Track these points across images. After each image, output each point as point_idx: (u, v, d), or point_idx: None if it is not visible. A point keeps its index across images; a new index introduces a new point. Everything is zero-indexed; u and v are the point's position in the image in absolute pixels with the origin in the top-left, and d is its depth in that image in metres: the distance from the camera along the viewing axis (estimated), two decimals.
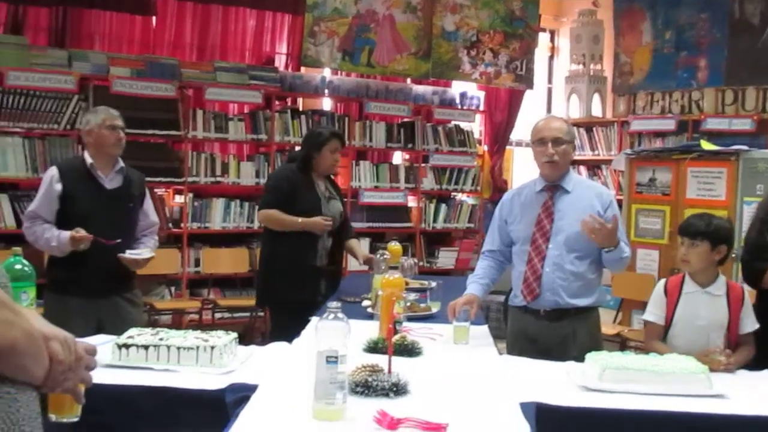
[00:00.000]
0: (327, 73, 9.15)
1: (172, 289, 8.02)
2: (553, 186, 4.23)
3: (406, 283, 5.55)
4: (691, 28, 9.69)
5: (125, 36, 8.30)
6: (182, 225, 7.94)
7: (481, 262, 4.45)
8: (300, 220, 5.38)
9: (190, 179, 7.94)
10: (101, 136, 4.77)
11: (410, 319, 4.41)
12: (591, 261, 4.15)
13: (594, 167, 10.33)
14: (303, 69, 8.94)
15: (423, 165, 9.39)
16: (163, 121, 7.80)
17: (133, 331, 3.43)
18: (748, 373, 3.66)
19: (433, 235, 9.61)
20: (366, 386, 2.91)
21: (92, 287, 4.67)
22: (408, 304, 4.77)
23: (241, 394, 2.91)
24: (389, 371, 3.00)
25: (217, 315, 7.99)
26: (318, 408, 2.64)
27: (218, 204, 8.17)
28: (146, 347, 3.28)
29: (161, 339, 3.31)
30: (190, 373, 3.19)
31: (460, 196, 9.81)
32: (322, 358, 2.64)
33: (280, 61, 9.10)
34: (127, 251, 4.73)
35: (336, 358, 2.63)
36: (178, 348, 3.27)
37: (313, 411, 2.64)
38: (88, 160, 4.78)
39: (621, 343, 6.74)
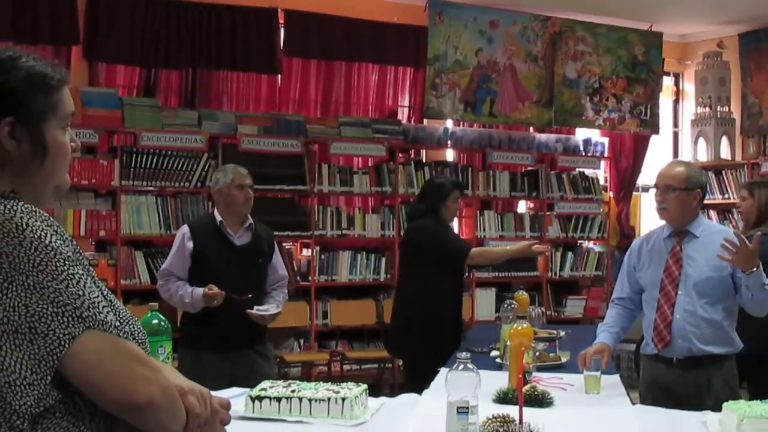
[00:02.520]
0: (449, 124, 9.21)
1: (301, 341, 8.12)
2: (681, 231, 4.15)
3: (534, 333, 5.54)
4: None
5: (252, 95, 8.52)
6: (310, 278, 8.05)
7: (610, 310, 4.39)
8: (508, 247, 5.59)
9: (317, 233, 8.07)
10: (231, 195, 4.92)
11: (540, 369, 4.36)
12: (723, 307, 4.05)
13: (724, 211, 10.08)
14: (426, 121, 9.02)
15: (548, 213, 9.33)
16: (290, 177, 7.95)
17: (265, 384, 3.48)
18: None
19: (560, 284, 9.51)
20: None
21: (225, 342, 4.79)
22: (537, 354, 4.74)
23: None
24: (521, 422, 2.97)
25: (346, 367, 8.05)
26: None
27: (345, 257, 8.26)
28: (279, 399, 3.32)
29: (293, 391, 3.36)
30: (322, 424, 3.22)
31: (586, 244, 9.70)
32: (453, 409, 2.64)
33: (403, 114, 9.19)
34: (255, 307, 4.83)
35: (467, 409, 2.64)
36: (310, 400, 3.30)
37: None
38: (218, 218, 4.92)
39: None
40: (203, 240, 4.90)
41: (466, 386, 2.64)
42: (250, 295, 4.82)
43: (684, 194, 4.12)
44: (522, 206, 9.67)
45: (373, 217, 8.42)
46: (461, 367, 2.67)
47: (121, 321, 1.73)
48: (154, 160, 7.42)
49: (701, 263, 4.05)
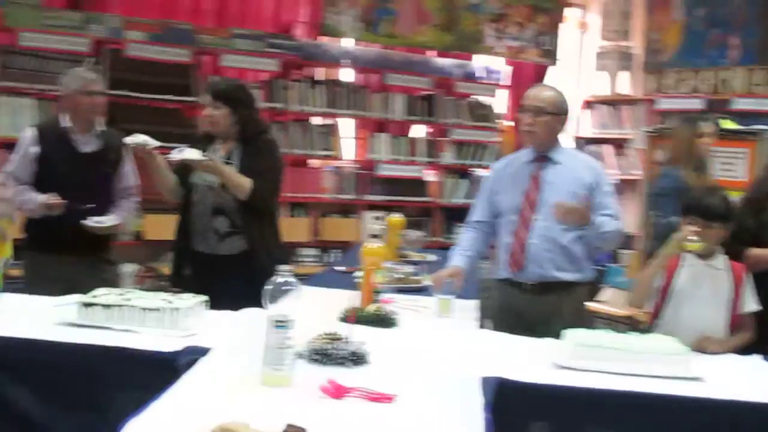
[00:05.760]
0: (348, 43, 9.02)
1: None
2: (542, 157, 4.11)
3: (407, 256, 5.49)
4: (723, 4, 9.43)
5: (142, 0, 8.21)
6: None
7: (465, 233, 4.36)
8: None
9: None
10: (78, 101, 4.76)
11: (400, 290, 4.32)
12: (579, 235, 4.04)
13: (620, 146, 10.13)
14: (323, 38, 8.82)
15: (443, 139, 9.26)
16: (177, 87, 7.72)
17: (99, 291, 3.37)
18: (735, 356, 3.53)
19: (452, 211, 9.47)
20: (324, 354, 2.83)
21: (67, 247, 4.67)
22: (398, 276, 4.69)
23: (194, 356, 2.84)
24: (348, 340, 2.91)
25: None
26: (266, 373, 2.57)
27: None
28: (109, 307, 3.22)
29: (126, 299, 3.25)
30: (150, 334, 3.13)
31: (480, 172, 9.66)
32: (271, 323, 2.56)
33: (299, 30, 8.97)
34: (91, 218, 4.68)
35: (285, 322, 2.55)
36: (143, 308, 3.21)
37: (262, 376, 2.56)
38: (65, 123, 4.76)
39: (631, 326, 6.61)
40: (49, 145, 4.74)
41: (285, 299, 2.55)
42: (92, 205, 4.68)
43: (553, 118, 4.07)
44: (417, 131, 9.57)
45: None
46: (281, 279, 2.57)
47: None
48: (35, 62, 7.13)
49: (560, 189, 4.03)
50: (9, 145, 7.07)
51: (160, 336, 3.11)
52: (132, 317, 3.20)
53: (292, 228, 8.34)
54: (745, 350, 3.64)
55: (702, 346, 3.48)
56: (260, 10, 8.75)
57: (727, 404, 2.85)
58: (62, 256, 4.66)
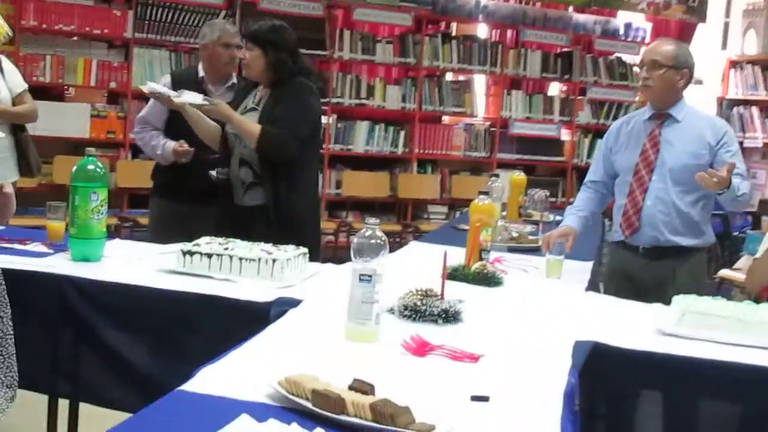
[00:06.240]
0: None
1: None
2: (662, 114, 3.90)
3: (530, 215, 5.36)
4: None
5: None
6: (324, 146, 7.90)
7: (581, 193, 4.19)
8: None
9: (334, 100, 7.90)
10: (215, 53, 4.76)
11: (513, 249, 4.22)
12: (698, 197, 3.83)
13: (767, 108, 9.67)
14: None
15: (580, 98, 9.02)
16: (310, 41, 7.73)
17: (203, 240, 3.38)
18: None
19: (586, 172, 9.22)
20: (414, 310, 2.76)
21: (191, 195, 4.68)
22: (516, 234, 4.58)
23: (285, 308, 2.81)
24: (442, 296, 2.83)
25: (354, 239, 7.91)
26: (350, 327, 2.51)
27: (362, 127, 8.11)
28: (210, 255, 3.22)
29: (226, 249, 3.25)
30: (247, 285, 3.12)
31: None
32: (356, 277, 2.51)
33: None
34: (217, 169, 4.67)
35: (370, 276, 2.49)
36: (241, 259, 3.20)
37: (345, 330, 2.52)
38: (201, 73, 4.79)
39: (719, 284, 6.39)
40: None
41: (371, 253, 2.49)
42: (217, 155, 4.69)
43: (671, 72, 3.86)
44: (553, 88, 9.35)
45: (394, 89, 8.21)
46: (368, 232, 2.51)
47: None
48: (170, 14, 7.27)
49: (679, 149, 3.82)
50: (146, 97, 7.26)
51: (257, 287, 3.10)
52: (231, 267, 3.20)
53: (421, 184, 8.31)
54: None
55: None
56: None
57: None
58: (187, 203, 4.69)
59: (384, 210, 8.31)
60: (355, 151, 8.10)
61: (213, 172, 4.62)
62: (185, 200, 4.68)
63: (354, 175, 8.14)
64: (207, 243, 3.34)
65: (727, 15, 10.42)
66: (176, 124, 4.68)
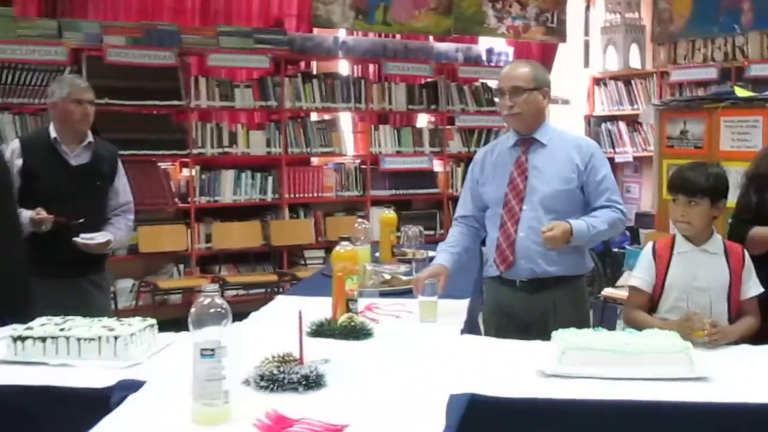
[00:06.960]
0: (342, 33, 8.67)
1: (181, 267, 7.66)
2: (526, 139, 3.73)
3: (410, 254, 5.08)
4: None
5: (121, 2, 7.89)
6: (189, 199, 7.59)
7: (453, 229, 3.95)
8: None
9: (195, 151, 7.58)
10: (66, 110, 4.44)
11: (385, 294, 3.97)
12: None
13: (633, 122, 9.74)
14: (315, 30, 8.49)
15: (449, 127, 8.90)
16: (164, 91, 7.44)
17: (37, 321, 3.04)
18: (748, 347, 3.14)
19: None
20: (272, 380, 2.48)
21: (54, 268, 4.32)
22: (389, 276, 4.34)
23: (129, 392, 2.50)
24: (301, 361, 2.56)
25: (231, 292, 7.60)
26: (196, 410, 2.22)
27: (228, 176, 7.80)
28: (44, 339, 2.89)
29: (62, 330, 2.92)
30: (89, 367, 2.79)
31: None
32: (198, 352, 2.22)
33: (290, 24, 8.62)
34: (81, 235, 4.37)
35: (212, 350, 2.21)
36: (78, 339, 2.87)
37: (192, 413, 2.22)
38: (53, 133, 4.46)
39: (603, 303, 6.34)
40: (35, 157, 4.42)
41: (212, 324, 2.20)
42: (81, 220, 4.36)
43: (534, 94, 3.70)
44: (421, 120, 9.21)
45: (258, 134, 7.93)
46: (207, 300, 2.23)
47: None
48: (11, 75, 6.86)
49: (548, 175, 3.64)
50: None
51: (100, 368, 2.77)
52: (69, 350, 2.87)
53: (295, 229, 8.05)
54: (752, 340, 3.24)
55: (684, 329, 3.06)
56: (246, 4, 8.41)
57: (739, 408, 2.48)
58: (50, 277, 4.27)
59: (259, 260, 8.00)
60: (223, 201, 7.77)
61: (80, 239, 4.33)
62: (46, 275, 4.25)
63: (224, 227, 7.80)
64: (41, 325, 3.00)
65: (586, 33, 10.50)
66: (30, 191, 4.34)
